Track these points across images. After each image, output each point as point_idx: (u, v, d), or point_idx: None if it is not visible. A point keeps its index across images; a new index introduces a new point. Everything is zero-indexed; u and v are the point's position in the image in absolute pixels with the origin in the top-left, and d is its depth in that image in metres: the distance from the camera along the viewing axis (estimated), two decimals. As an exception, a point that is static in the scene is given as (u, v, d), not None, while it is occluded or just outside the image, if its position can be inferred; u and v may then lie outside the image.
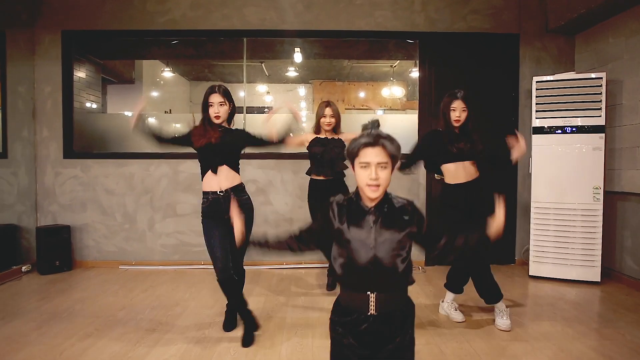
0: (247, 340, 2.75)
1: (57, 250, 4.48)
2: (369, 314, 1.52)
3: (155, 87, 8.32)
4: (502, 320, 2.99)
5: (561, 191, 4.13)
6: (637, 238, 3.92)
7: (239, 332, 2.88)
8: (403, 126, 5.08)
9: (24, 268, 4.44)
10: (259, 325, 2.94)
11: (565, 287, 3.97)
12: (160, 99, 8.68)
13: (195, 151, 2.83)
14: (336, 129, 3.72)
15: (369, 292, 1.52)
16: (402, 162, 3.00)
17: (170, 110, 8.88)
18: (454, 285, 3.22)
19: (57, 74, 4.70)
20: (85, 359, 2.52)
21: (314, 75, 8.88)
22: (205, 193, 2.81)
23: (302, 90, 9.45)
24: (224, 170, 2.79)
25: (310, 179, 3.78)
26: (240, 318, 2.99)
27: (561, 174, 4.13)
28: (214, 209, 2.77)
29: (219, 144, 2.76)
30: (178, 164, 4.69)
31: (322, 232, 1.64)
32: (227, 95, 2.79)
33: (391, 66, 8.31)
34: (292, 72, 7.52)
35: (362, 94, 9.93)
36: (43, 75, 4.70)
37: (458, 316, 3.17)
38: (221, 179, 2.78)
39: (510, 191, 4.75)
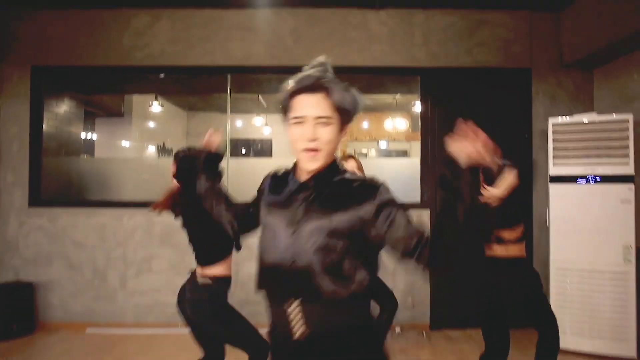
0: None
1: (16, 312, 3.98)
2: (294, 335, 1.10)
3: (147, 119, 7.94)
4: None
5: (585, 250, 3.59)
6: (676, 305, 3.37)
7: None
8: (402, 172, 4.62)
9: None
10: None
11: (592, 363, 3.42)
12: (154, 131, 8.31)
13: None
14: None
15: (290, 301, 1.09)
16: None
17: (164, 143, 8.50)
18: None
19: (25, 113, 4.30)
20: None
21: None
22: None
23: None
24: None
25: None
26: None
27: (584, 230, 3.60)
28: None
29: None
30: (153, 214, 4.21)
31: (252, 208, 1.28)
32: None
33: (394, 97, 7.90)
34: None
35: (365, 125, 9.58)
36: (10, 114, 4.29)
37: None
38: None
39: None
